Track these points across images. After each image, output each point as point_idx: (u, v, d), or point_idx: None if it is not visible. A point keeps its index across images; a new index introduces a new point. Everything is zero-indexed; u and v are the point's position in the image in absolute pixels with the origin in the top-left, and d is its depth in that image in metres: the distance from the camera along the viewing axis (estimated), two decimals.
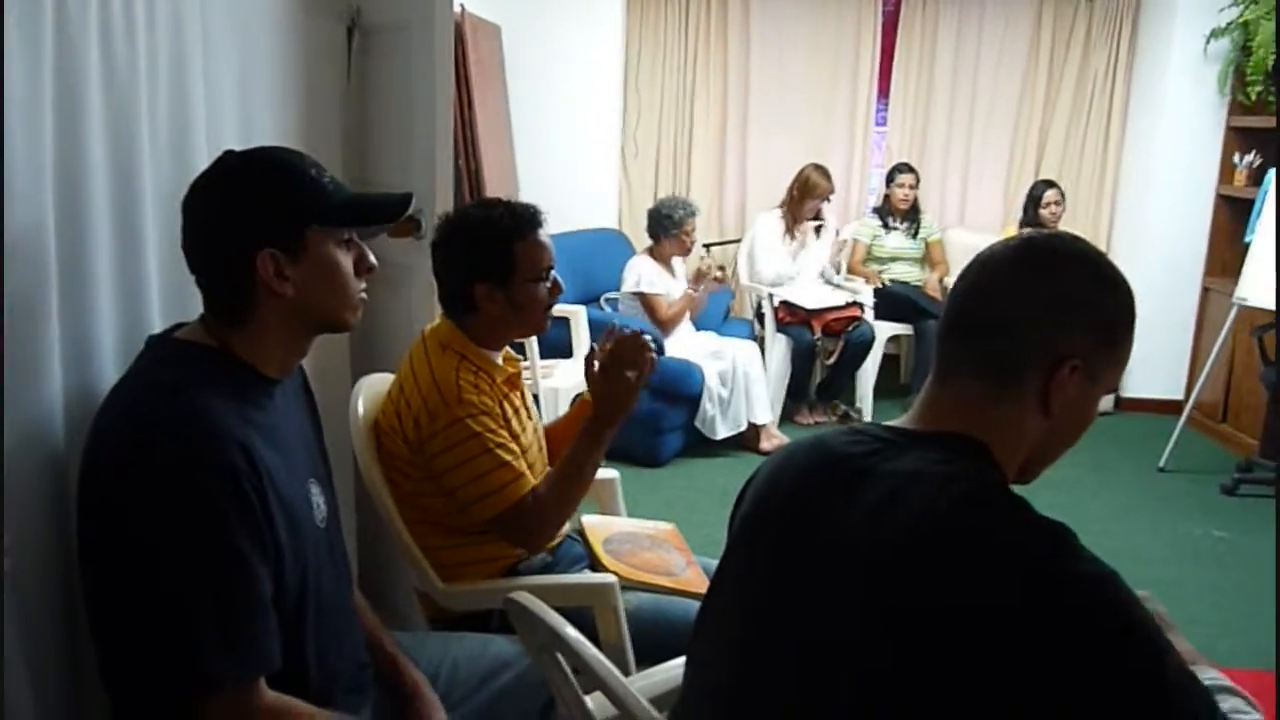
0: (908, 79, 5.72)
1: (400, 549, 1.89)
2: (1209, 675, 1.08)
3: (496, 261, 1.83)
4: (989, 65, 5.69)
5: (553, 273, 1.91)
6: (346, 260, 1.36)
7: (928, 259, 5.51)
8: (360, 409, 1.93)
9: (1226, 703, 1.02)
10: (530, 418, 2.02)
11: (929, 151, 5.78)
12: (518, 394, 1.97)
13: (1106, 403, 5.37)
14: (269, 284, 1.29)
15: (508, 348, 2.01)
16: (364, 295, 1.40)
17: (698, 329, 4.78)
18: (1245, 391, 4.80)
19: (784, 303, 4.97)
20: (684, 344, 4.58)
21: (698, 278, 4.64)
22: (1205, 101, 5.19)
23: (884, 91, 5.83)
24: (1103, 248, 5.59)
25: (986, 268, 1.11)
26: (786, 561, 1.10)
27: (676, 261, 4.77)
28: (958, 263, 5.63)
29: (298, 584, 1.32)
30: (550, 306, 1.92)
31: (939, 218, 5.75)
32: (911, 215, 5.44)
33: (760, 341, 5.01)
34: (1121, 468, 4.62)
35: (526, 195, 5.29)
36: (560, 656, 1.22)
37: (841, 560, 1.04)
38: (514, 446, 1.83)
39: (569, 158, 5.45)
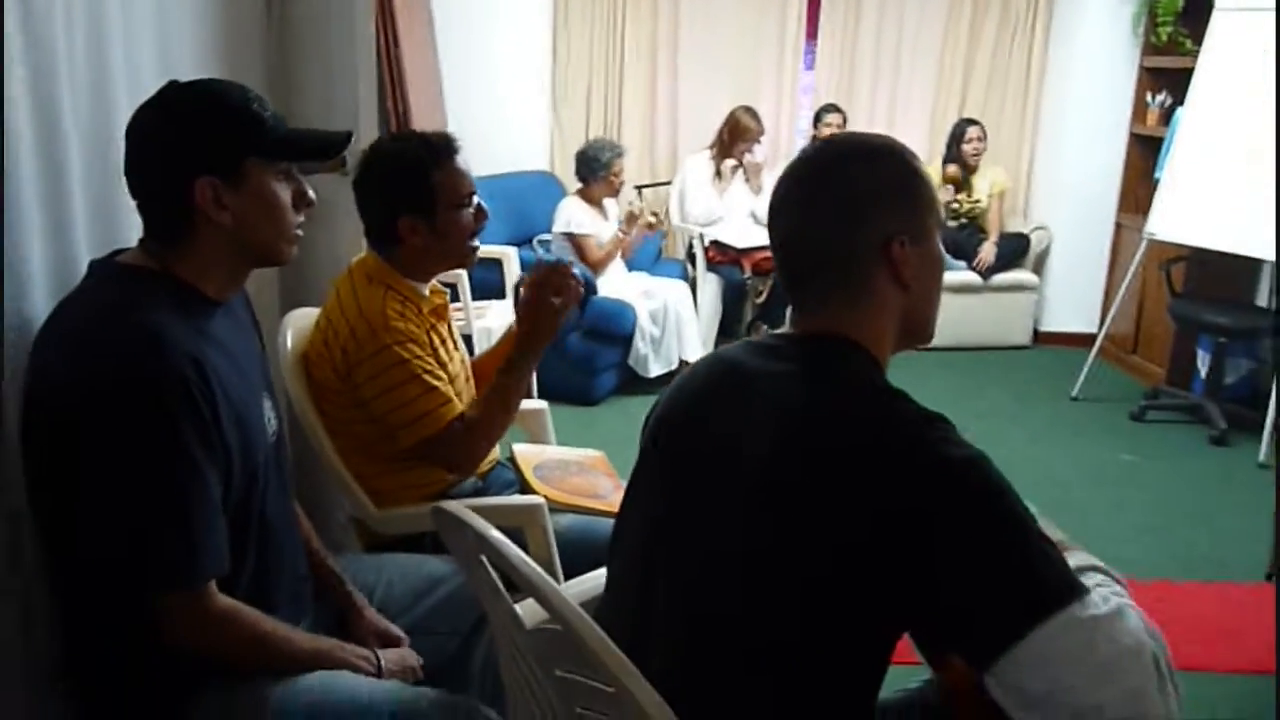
0: (834, 20, 5.76)
1: (333, 477, 1.94)
2: (1079, 557, 1.17)
3: (416, 192, 1.86)
4: (914, 4, 5.75)
5: (475, 199, 1.94)
6: (285, 193, 1.40)
7: None
8: (289, 342, 1.97)
9: (1093, 578, 1.12)
10: (457, 349, 2.07)
11: (856, 92, 5.84)
12: (444, 325, 2.02)
13: (1025, 336, 5.58)
14: (207, 210, 1.33)
15: (436, 281, 2.05)
16: (299, 231, 1.44)
17: (630, 269, 4.84)
18: (1154, 323, 5.01)
19: (714, 242, 5.05)
20: (617, 284, 4.64)
21: (629, 220, 4.68)
22: (1120, 42, 5.33)
23: (812, 33, 5.87)
24: (1023, 185, 5.79)
25: (781, 217, 1.20)
26: (685, 468, 1.19)
27: (608, 203, 4.81)
28: None
29: (243, 491, 1.38)
30: (475, 234, 1.95)
31: None
32: None
33: (692, 281, 5.09)
34: (1038, 398, 4.82)
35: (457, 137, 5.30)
36: (486, 562, 1.29)
37: (733, 463, 1.12)
38: (441, 374, 1.89)
39: (499, 100, 5.42)
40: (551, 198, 4.93)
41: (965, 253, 5.46)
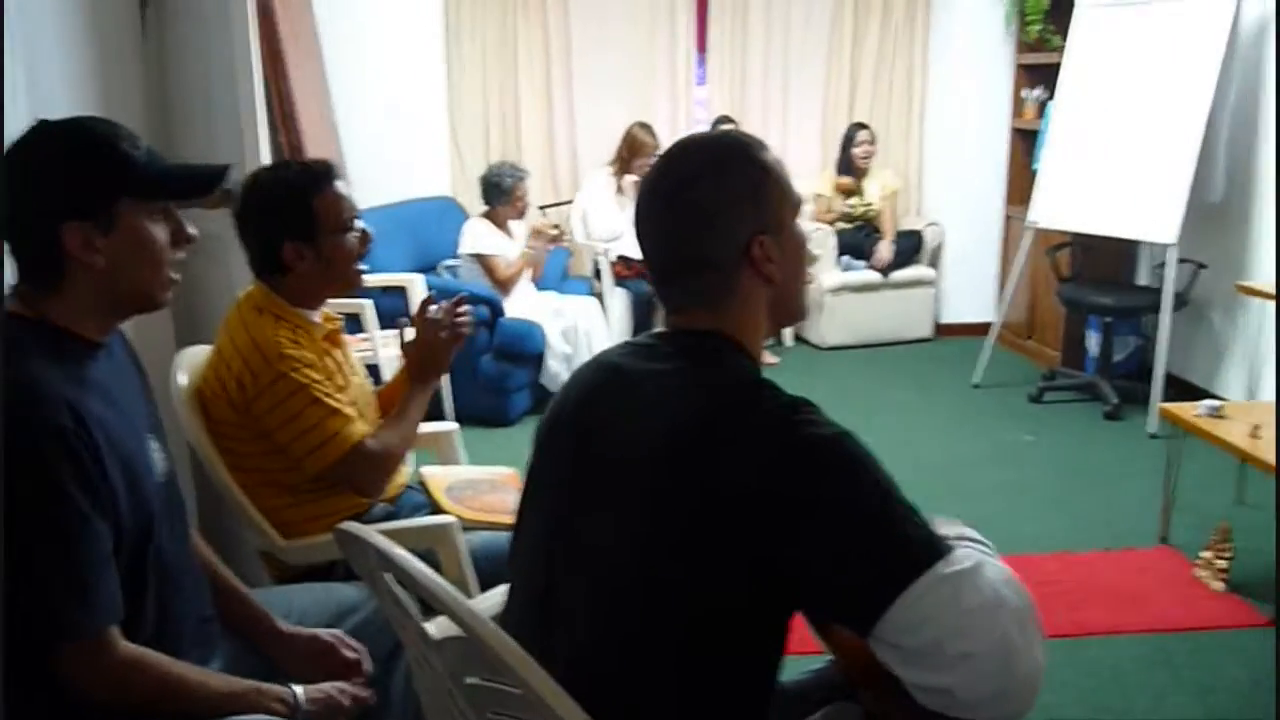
0: (723, 35, 5.89)
1: (237, 512, 1.92)
2: (957, 529, 1.23)
3: (297, 218, 1.86)
4: (799, 15, 5.91)
5: (359, 223, 1.95)
6: (160, 232, 1.37)
7: None
8: (182, 380, 1.94)
9: (966, 547, 1.18)
10: (355, 374, 2.07)
11: (749, 103, 5.97)
12: (339, 351, 2.02)
13: (927, 329, 5.74)
14: (78, 256, 1.30)
15: (334, 311, 2.05)
16: (176, 276, 1.41)
17: (539, 289, 4.87)
18: (1046, 308, 5.22)
19: (620, 257, 5.11)
20: (526, 304, 4.66)
21: (535, 235, 4.72)
22: (994, 41, 5.56)
23: (702, 48, 5.99)
24: (915, 184, 5.97)
25: (644, 226, 1.24)
26: (576, 471, 1.22)
27: (514, 225, 4.83)
28: None
29: (136, 536, 1.35)
30: (360, 257, 1.96)
31: None
32: None
33: (601, 297, 5.13)
34: (942, 387, 4.98)
35: (353, 168, 5.26)
36: (390, 579, 1.30)
37: (621, 462, 1.16)
38: (340, 397, 1.89)
39: (396, 128, 5.41)
40: (454, 222, 4.93)
41: (864, 253, 5.61)
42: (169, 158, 1.46)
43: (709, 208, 1.18)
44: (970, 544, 1.19)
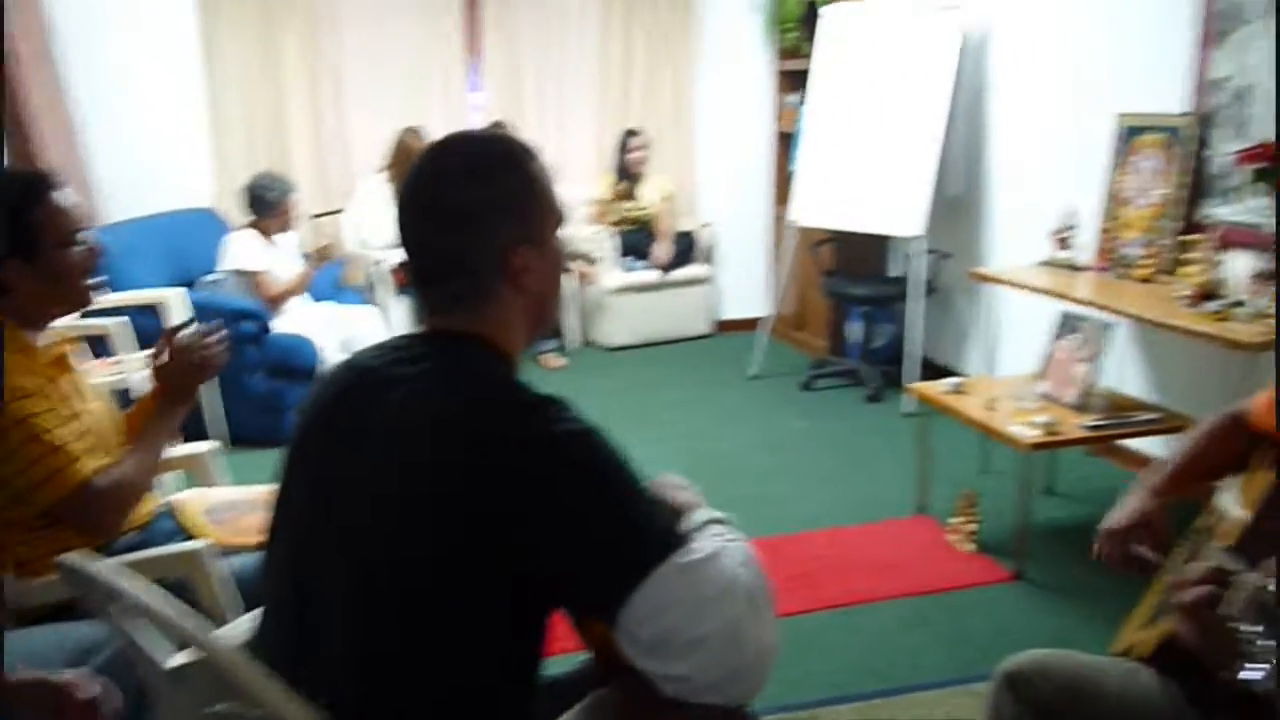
0: (495, 41, 5.88)
1: None
2: (704, 514, 1.27)
3: (15, 234, 1.73)
4: (571, 23, 5.97)
5: (87, 235, 1.82)
6: None
7: None
8: None
9: (714, 528, 1.23)
10: (92, 400, 1.93)
11: (523, 109, 5.98)
12: (69, 376, 1.88)
13: (706, 326, 5.94)
14: None
15: (70, 331, 1.91)
16: None
17: (316, 300, 4.70)
18: (812, 301, 5.51)
19: (400, 264, 5.00)
20: (301, 318, 4.49)
21: (318, 259, 4.55)
22: (754, 49, 5.82)
23: (476, 52, 5.95)
24: (688, 186, 6.15)
25: (405, 225, 1.21)
26: (325, 479, 1.19)
27: (281, 236, 4.63)
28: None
29: None
30: (89, 273, 1.83)
31: None
32: None
33: (379, 306, 5.01)
34: (721, 380, 5.17)
35: (105, 180, 4.92)
36: (120, 610, 1.23)
37: (371, 469, 1.14)
38: (67, 430, 1.75)
39: (150, 137, 5.08)
40: (216, 235, 4.68)
41: (642, 254, 5.75)
42: None
43: (470, 213, 1.17)
44: (718, 526, 1.24)
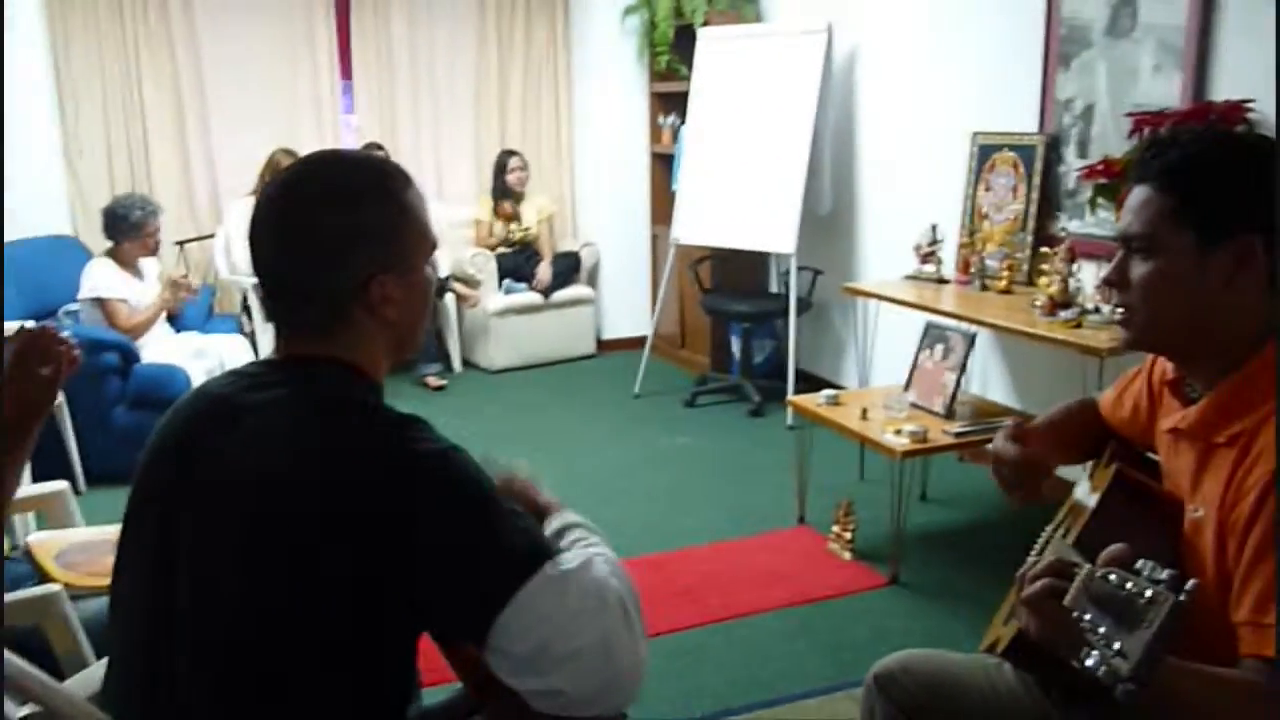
0: (367, 61, 5.80)
1: None
2: (567, 519, 1.27)
3: None
4: (444, 45, 5.94)
5: None
6: None
7: None
8: None
9: (573, 535, 1.22)
10: None
11: (399, 130, 5.92)
12: None
13: (590, 346, 5.95)
14: None
15: None
16: None
17: (178, 330, 4.53)
18: (694, 318, 5.58)
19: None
20: (164, 348, 4.32)
21: (172, 288, 4.34)
22: (629, 72, 5.89)
23: (347, 73, 5.87)
24: (568, 207, 6.17)
25: (261, 248, 1.17)
26: (173, 510, 1.14)
27: (145, 263, 4.45)
28: (441, 235, 5.85)
29: None
30: None
31: None
32: None
33: (251, 334, 4.86)
34: (606, 400, 5.18)
35: None
36: None
37: (226, 494, 1.10)
38: None
39: None
40: (75, 262, 4.46)
41: (525, 275, 5.73)
42: None
43: (333, 238, 1.13)
44: (580, 530, 1.24)
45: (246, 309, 5.00)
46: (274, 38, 5.57)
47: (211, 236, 5.30)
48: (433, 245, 1.22)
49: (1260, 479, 1.17)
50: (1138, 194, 1.29)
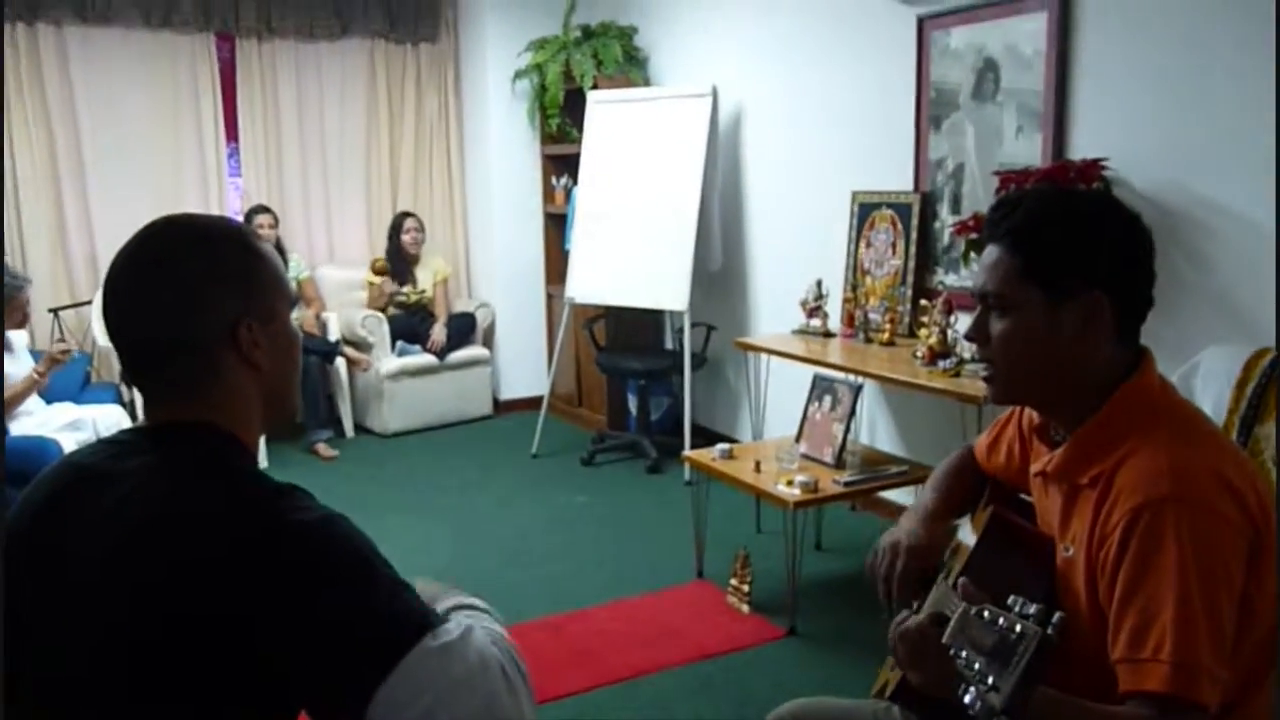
0: (254, 124, 5.74)
1: None
2: (459, 600, 1.25)
3: None
4: (333, 108, 5.92)
5: None
6: None
7: (301, 297, 5.57)
8: None
9: (466, 614, 1.20)
10: None
11: (288, 193, 5.85)
12: None
13: (486, 407, 5.90)
14: None
15: None
16: None
17: (49, 402, 4.33)
18: (590, 376, 5.60)
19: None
20: (36, 419, 4.12)
21: (49, 363, 4.16)
22: (520, 134, 5.95)
23: (232, 136, 5.78)
24: (463, 268, 6.17)
25: (117, 306, 1.13)
26: (32, 588, 1.08)
27: (14, 335, 4.26)
28: (332, 297, 5.78)
29: None
30: None
31: (308, 256, 5.86)
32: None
33: (130, 405, 4.67)
34: (502, 461, 5.13)
35: None
36: None
37: (80, 574, 1.05)
38: None
39: None
40: None
41: (419, 337, 5.67)
42: None
43: (194, 284, 1.10)
44: (466, 611, 1.22)
45: (126, 378, 4.81)
46: (157, 99, 5.48)
47: (89, 303, 5.11)
48: (291, 299, 1.23)
49: (1121, 519, 1.22)
50: (990, 253, 1.36)
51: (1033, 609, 1.11)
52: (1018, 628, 1.10)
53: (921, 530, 1.58)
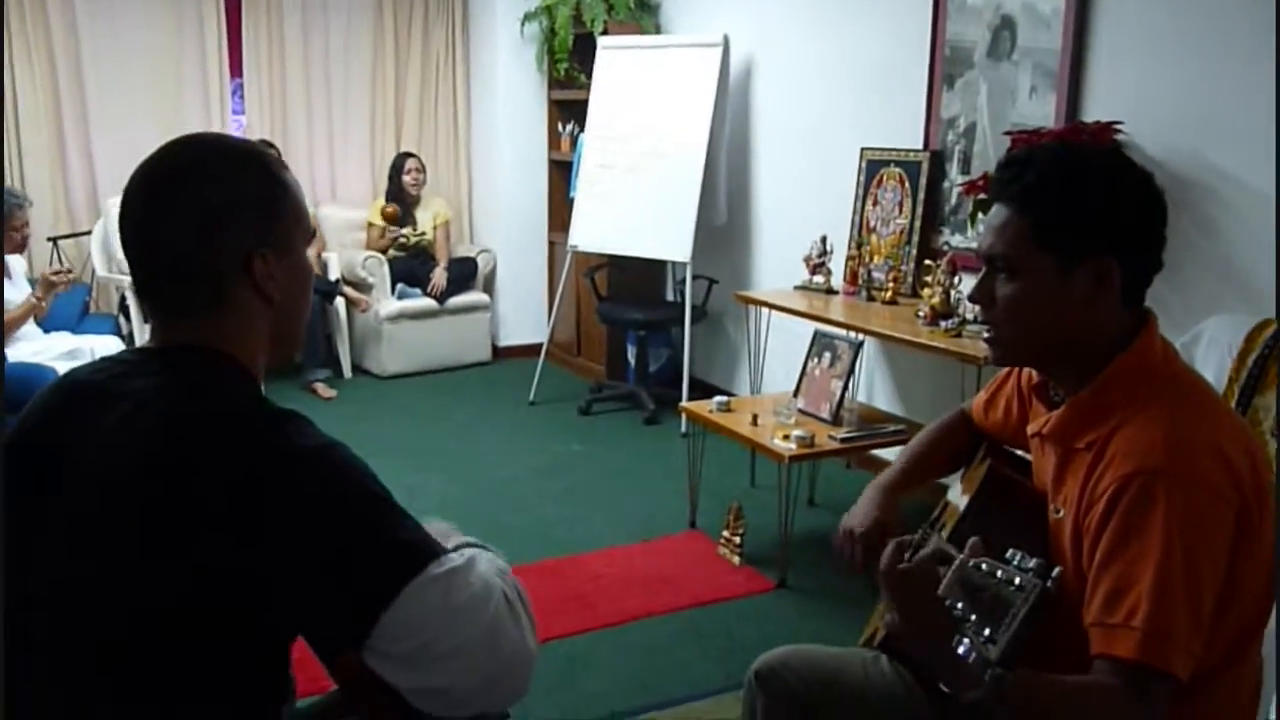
0: (259, 60, 5.67)
1: None
2: (460, 538, 1.25)
3: None
4: (338, 46, 5.85)
5: None
6: None
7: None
8: None
9: (471, 550, 1.20)
10: None
11: (291, 131, 5.79)
12: None
13: (485, 353, 5.90)
14: None
15: None
16: None
17: (46, 330, 4.31)
18: (590, 326, 5.59)
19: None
20: (32, 347, 4.11)
21: (45, 287, 4.13)
22: (528, 79, 5.87)
23: (236, 71, 5.71)
24: (465, 213, 6.12)
25: (132, 219, 1.12)
26: (32, 504, 1.08)
27: (11, 260, 4.23)
28: (333, 237, 5.75)
29: None
30: None
31: (310, 195, 5.81)
32: None
33: (128, 336, 4.66)
34: (501, 407, 5.14)
35: None
36: None
37: (95, 482, 1.05)
38: None
39: None
40: None
41: (419, 281, 5.64)
42: None
43: (216, 205, 1.08)
44: (471, 548, 1.22)
45: (125, 309, 4.80)
46: (161, 30, 5.41)
47: (88, 233, 5.08)
48: (310, 231, 1.20)
49: (1110, 485, 1.21)
50: (997, 214, 1.32)
51: (1032, 562, 1.11)
52: (1017, 580, 1.10)
53: (873, 509, 1.62)
